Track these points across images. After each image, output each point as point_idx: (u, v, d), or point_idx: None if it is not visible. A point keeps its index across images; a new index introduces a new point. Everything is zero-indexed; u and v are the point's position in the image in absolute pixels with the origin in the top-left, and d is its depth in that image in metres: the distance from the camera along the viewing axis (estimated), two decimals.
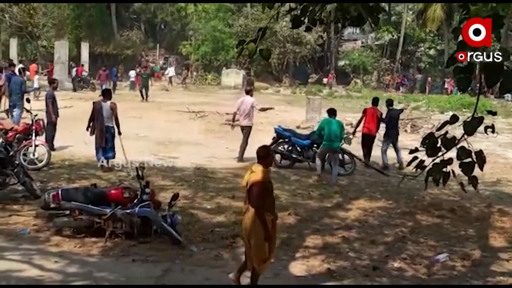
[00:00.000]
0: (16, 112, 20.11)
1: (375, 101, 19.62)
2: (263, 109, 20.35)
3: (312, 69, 65.94)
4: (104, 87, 34.54)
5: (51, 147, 17.09)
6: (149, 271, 9.03)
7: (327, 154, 16.59)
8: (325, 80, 61.60)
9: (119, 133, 16.19)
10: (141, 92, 38.06)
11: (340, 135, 16.21)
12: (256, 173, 7.82)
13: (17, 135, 15.37)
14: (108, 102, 16.13)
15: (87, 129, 16.30)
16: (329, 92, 52.12)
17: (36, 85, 31.44)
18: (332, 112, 16.47)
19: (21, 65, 30.39)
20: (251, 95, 19.20)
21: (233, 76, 56.27)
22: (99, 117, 15.98)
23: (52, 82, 19.21)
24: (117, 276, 8.78)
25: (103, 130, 15.98)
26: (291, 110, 34.39)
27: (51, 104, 18.04)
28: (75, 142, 19.34)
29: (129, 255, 9.62)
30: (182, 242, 10.18)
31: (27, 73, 33.21)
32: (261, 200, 7.77)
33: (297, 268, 9.50)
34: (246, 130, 18.69)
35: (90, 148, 17.99)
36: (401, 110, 22.05)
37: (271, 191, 8.12)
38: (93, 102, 16.61)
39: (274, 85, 58.04)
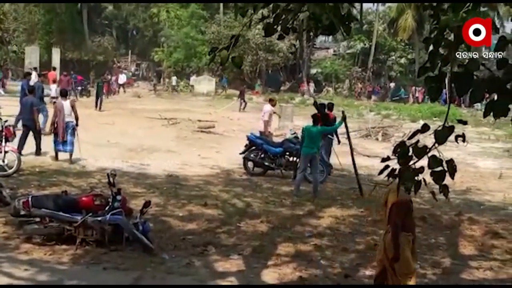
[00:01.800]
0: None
1: (330, 106, 19.97)
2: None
3: (285, 77, 66.14)
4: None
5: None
6: (120, 279, 8.96)
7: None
8: (304, 87, 61.51)
9: (77, 125, 17.94)
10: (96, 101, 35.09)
11: (318, 142, 16.03)
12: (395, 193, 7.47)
13: None
14: (68, 101, 18.34)
15: (50, 129, 17.95)
16: (301, 100, 52.26)
17: (53, 93, 30.47)
18: (314, 119, 16.05)
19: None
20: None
21: (206, 83, 56.25)
22: (60, 115, 17.57)
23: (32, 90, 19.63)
24: (87, 284, 8.70)
25: (64, 126, 17.53)
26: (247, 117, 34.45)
27: (37, 112, 18.66)
28: (44, 148, 19.12)
29: (100, 263, 9.53)
30: (153, 249, 10.13)
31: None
32: (399, 220, 7.65)
33: (269, 276, 9.49)
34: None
35: (61, 154, 17.88)
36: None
37: (411, 211, 7.93)
38: (54, 102, 18.55)
39: (246, 92, 58.07)
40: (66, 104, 17.89)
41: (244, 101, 41.84)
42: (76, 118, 17.87)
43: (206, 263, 9.96)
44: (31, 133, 18.07)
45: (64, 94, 18.78)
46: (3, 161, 15.33)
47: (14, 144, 16.22)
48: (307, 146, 15.56)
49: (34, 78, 31.29)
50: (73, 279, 8.86)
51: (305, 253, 10.68)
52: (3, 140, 15.46)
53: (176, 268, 9.60)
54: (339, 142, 19.58)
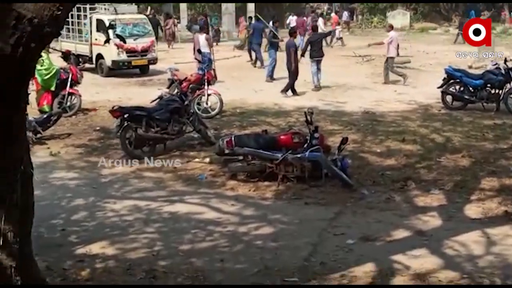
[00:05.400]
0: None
1: None
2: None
3: (484, 6, 62.58)
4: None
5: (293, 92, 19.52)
6: (321, 213, 9.19)
7: None
8: (505, 15, 57.77)
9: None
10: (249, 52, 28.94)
11: None
12: None
13: (191, 85, 16.00)
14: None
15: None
16: (503, 29, 49.19)
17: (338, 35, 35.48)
18: None
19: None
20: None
21: (399, 18, 54.70)
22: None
23: (293, 32, 21.28)
24: (290, 218, 9.02)
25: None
26: (461, 50, 33.00)
27: (293, 53, 19.45)
28: (246, 90, 19.92)
29: (301, 198, 9.84)
30: (352, 185, 10.25)
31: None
32: None
33: (472, 210, 9.24)
34: None
35: (259, 96, 18.52)
36: None
37: None
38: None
39: (443, 25, 55.67)
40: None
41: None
42: None
43: (406, 198, 9.91)
44: None
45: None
46: (207, 104, 16.09)
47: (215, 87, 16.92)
48: None
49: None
50: (276, 213, 9.22)
51: (510, 188, 10.23)
52: (206, 84, 16.19)
53: (375, 203, 9.67)
54: None
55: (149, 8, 40.50)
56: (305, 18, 37.05)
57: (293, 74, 19.57)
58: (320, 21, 36.49)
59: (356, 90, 20.80)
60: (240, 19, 36.92)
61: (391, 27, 23.69)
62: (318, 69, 20.50)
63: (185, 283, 6.89)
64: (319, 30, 26.94)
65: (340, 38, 36.03)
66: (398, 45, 22.35)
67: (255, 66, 26.61)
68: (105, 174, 11.37)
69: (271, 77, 22.38)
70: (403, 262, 7.37)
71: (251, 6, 44.01)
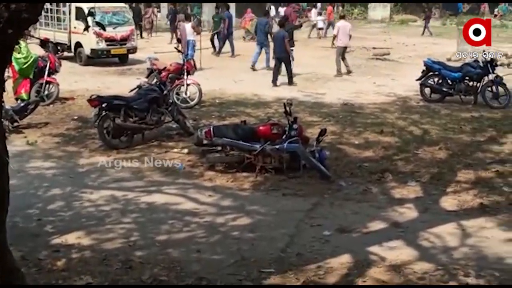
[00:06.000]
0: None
1: None
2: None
3: None
4: None
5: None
6: (299, 204, 9.22)
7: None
8: (485, 8, 58.10)
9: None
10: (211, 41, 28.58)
11: None
12: None
13: (170, 75, 15.92)
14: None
15: None
16: None
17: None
18: None
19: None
20: None
21: (380, 10, 54.76)
22: None
23: (285, 22, 21.60)
24: (268, 209, 9.04)
25: None
26: (440, 42, 33.16)
27: (287, 42, 19.70)
28: (225, 80, 19.91)
29: (279, 190, 9.86)
30: (330, 176, 10.28)
31: None
32: None
33: (448, 202, 9.32)
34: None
35: (239, 86, 18.55)
36: None
37: None
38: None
39: (422, 17, 55.93)
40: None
41: (428, 26, 40.02)
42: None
43: (383, 189, 9.97)
44: None
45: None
46: (186, 94, 16.06)
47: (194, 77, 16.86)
48: None
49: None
50: (254, 204, 9.24)
51: (486, 180, 10.34)
52: (185, 74, 16.13)
53: (353, 194, 9.71)
54: None
55: None
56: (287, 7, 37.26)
57: (289, 62, 19.83)
58: (313, 12, 36.66)
59: (336, 81, 20.87)
60: (247, 11, 36.85)
61: (341, 17, 25.00)
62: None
63: (161, 273, 6.87)
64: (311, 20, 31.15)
65: (320, 29, 36.07)
66: (350, 36, 22.65)
67: (217, 56, 27.11)
68: (82, 164, 11.30)
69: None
70: (379, 253, 7.42)
71: None
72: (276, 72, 19.91)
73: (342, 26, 22.53)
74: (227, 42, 27.21)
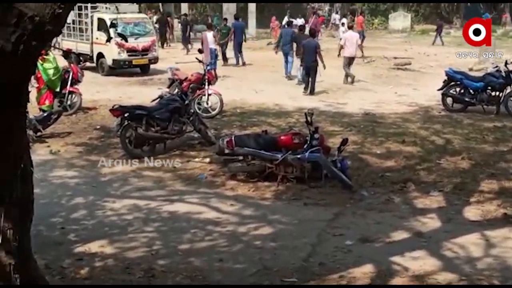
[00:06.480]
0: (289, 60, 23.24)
1: None
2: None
3: (485, 8, 62.54)
4: None
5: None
6: (320, 214, 9.20)
7: None
8: (507, 17, 57.79)
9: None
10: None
11: None
12: None
13: (191, 85, 15.97)
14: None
15: None
16: (504, 32, 49.17)
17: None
18: None
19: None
20: None
21: (401, 20, 54.66)
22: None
23: (314, 32, 22.42)
24: (290, 219, 9.03)
25: None
26: (462, 52, 33.03)
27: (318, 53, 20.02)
28: (246, 90, 19.98)
29: (300, 199, 9.85)
30: (352, 186, 10.25)
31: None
32: None
33: (471, 212, 9.25)
34: None
35: (260, 96, 18.59)
36: None
37: None
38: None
39: (444, 27, 55.71)
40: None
41: (440, 36, 40.09)
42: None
43: (405, 199, 9.92)
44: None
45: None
46: (207, 103, 16.09)
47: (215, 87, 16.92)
48: None
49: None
50: (275, 214, 9.23)
51: (509, 190, 10.24)
52: (206, 84, 16.19)
53: (375, 204, 9.68)
54: None
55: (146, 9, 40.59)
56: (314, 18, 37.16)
57: (315, 72, 19.98)
58: (344, 21, 36.54)
59: (357, 91, 20.83)
60: (272, 19, 36.88)
61: (349, 28, 25.26)
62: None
63: (183, 282, 6.90)
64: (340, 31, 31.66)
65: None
66: (358, 46, 23.19)
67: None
68: (105, 173, 11.37)
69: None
70: (402, 263, 7.38)
71: (252, 7, 44.10)
72: (308, 80, 20.06)
73: (349, 37, 22.74)
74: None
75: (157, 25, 35.57)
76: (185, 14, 38.55)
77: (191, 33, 35.82)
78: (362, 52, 24.55)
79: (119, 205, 9.53)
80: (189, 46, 32.75)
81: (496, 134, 14.35)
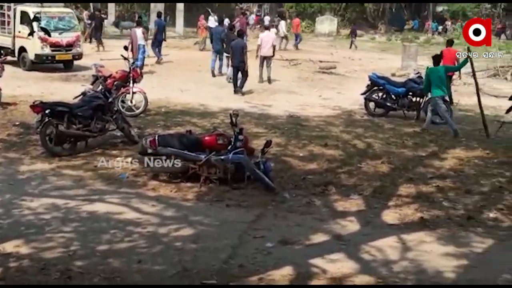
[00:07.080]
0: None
1: (450, 43, 20.03)
2: None
3: (409, 15, 64.14)
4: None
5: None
6: (242, 216, 9.21)
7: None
8: (429, 25, 59.47)
9: None
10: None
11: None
12: None
13: (115, 82, 15.73)
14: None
15: None
16: (426, 39, 50.58)
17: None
18: (435, 60, 15.78)
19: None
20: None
21: (328, 24, 55.45)
22: None
23: (242, 33, 22.33)
24: (211, 220, 9.00)
25: None
26: (386, 57, 33.79)
27: (245, 53, 20.31)
28: (172, 89, 19.85)
29: (223, 200, 9.83)
30: (274, 188, 10.30)
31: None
32: None
33: (390, 216, 9.43)
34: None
35: (185, 95, 18.49)
36: None
37: None
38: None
39: (369, 32, 56.83)
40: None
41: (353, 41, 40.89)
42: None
43: (326, 202, 10.03)
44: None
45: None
46: (131, 102, 15.88)
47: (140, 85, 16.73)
48: (439, 88, 15.26)
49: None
50: (197, 215, 9.18)
51: (426, 195, 10.50)
52: (131, 82, 15.99)
53: (296, 206, 9.74)
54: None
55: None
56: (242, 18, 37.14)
57: (246, 73, 20.27)
58: (283, 24, 36.64)
59: (282, 93, 20.98)
60: (200, 18, 36.57)
61: (266, 28, 26.95)
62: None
63: (101, 283, 6.78)
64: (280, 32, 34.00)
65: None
66: (274, 46, 23.53)
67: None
68: (23, 170, 11.07)
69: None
70: (321, 266, 7.46)
71: (180, 5, 43.81)
72: (236, 80, 20.19)
73: (265, 37, 23.14)
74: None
75: (88, 21, 35.06)
76: (99, 10, 37.92)
77: (118, 30, 35.38)
78: (274, 53, 24.30)
79: (37, 204, 9.29)
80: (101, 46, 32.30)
81: (415, 139, 14.70)
